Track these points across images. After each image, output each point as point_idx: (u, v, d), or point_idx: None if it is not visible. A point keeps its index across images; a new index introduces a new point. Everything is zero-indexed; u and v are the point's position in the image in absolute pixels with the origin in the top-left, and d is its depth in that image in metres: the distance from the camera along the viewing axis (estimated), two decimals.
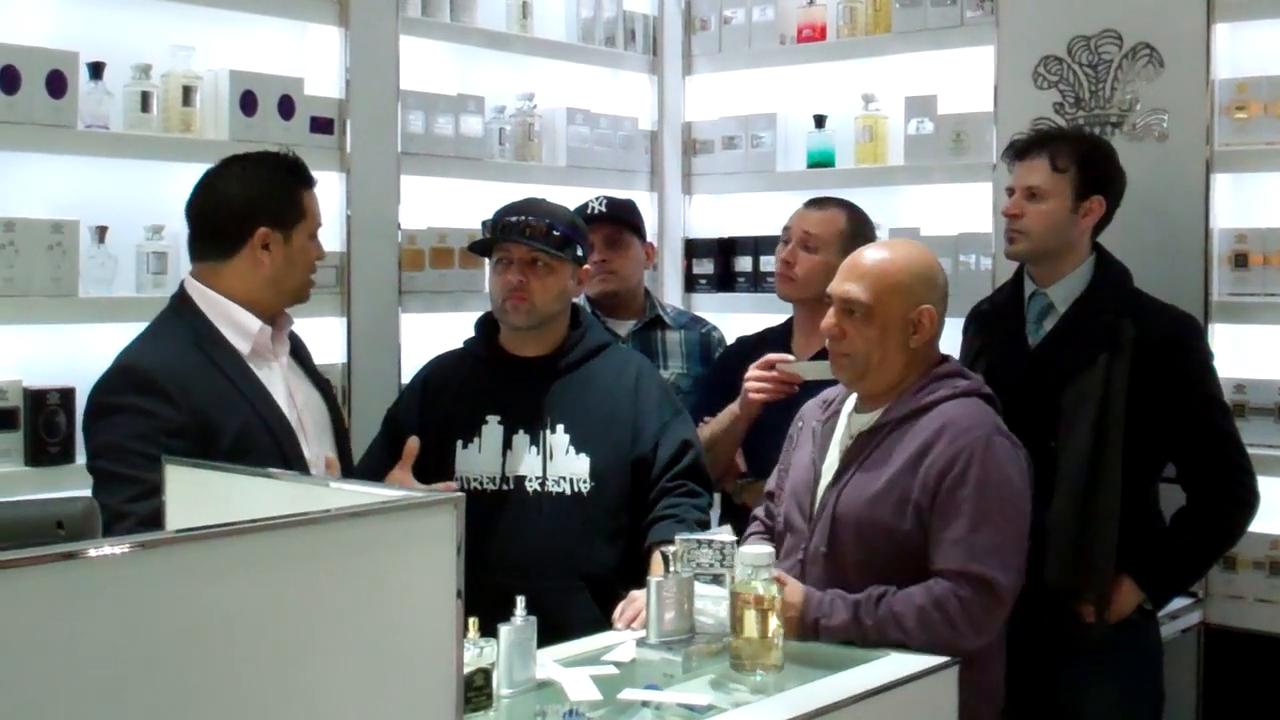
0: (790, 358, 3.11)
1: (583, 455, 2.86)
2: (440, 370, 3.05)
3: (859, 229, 3.22)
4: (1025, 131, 3.17)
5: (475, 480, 2.88)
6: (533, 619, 2.26)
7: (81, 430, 2.49)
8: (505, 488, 2.86)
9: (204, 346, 2.47)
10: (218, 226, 2.53)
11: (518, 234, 2.86)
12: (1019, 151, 3.06)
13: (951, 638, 2.35)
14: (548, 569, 2.77)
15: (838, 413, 2.65)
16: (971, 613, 2.35)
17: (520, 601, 2.25)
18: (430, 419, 2.94)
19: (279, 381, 2.56)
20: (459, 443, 2.90)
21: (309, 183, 2.60)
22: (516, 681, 2.22)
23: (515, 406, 2.90)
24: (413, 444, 2.74)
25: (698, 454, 2.92)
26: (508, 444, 2.88)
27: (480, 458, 2.88)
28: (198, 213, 2.56)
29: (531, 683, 2.24)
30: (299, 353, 2.70)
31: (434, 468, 2.87)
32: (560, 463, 2.86)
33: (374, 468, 2.87)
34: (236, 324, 2.50)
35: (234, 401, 2.44)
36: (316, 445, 2.59)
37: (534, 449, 2.87)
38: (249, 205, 2.52)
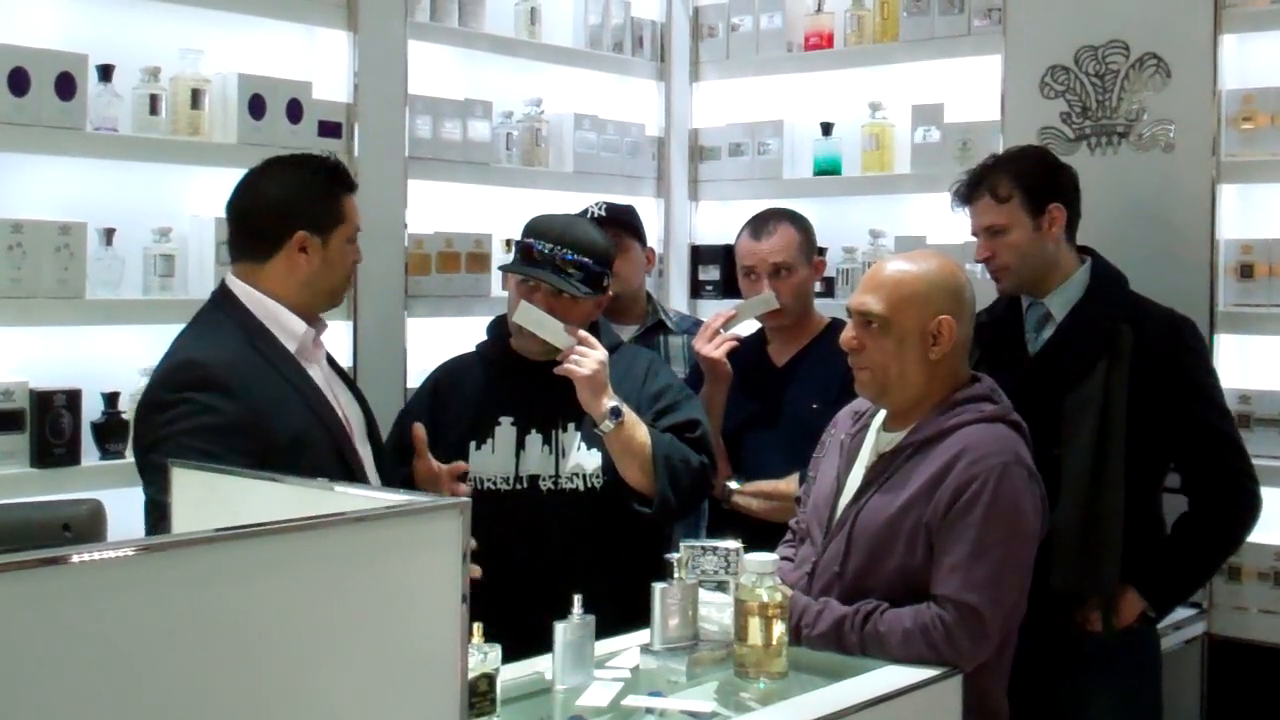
0: (729, 308, 3.25)
1: (594, 450, 2.87)
2: (450, 374, 3.06)
3: (804, 225, 3.33)
4: (959, 178, 3.13)
5: (489, 481, 2.89)
6: (590, 617, 2.26)
7: (133, 424, 2.46)
8: (519, 487, 2.88)
9: (257, 345, 2.46)
10: (256, 227, 2.52)
11: (549, 268, 2.86)
12: (964, 198, 3.07)
13: (933, 662, 2.33)
14: (563, 565, 2.78)
15: (867, 426, 2.61)
16: (955, 642, 2.32)
17: (578, 600, 2.26)
18: (441, 422, 2.95)
19: (323, 383, 2.56)
20: (472, 444, 2.91)
21: (349, 187, 2.61)
22: (570, 681, 2.22)
23: (528, 407, 2.91)
24: (419, 430, 2.74)
25: (705, 431, 2.93)
26: (520, 444, 2.89)
27: (493, 458, 2.90)
28: (238, 212, 2.56)
29: (588, 682, 2.24)
30: (328, 357, 2.70)
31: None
32: (572, 460, 2.87)
33: (387, 470, 2.88)
34: (283, 325, 2.50)
35: (291, 400, 2.44)
36: (361, 446, 2.60)
37: (546, 448, 2.88)
38: (287, 207, 2.51)
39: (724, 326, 3.23)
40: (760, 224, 3.32)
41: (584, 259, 2.88)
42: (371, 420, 2.72)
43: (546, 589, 2.46)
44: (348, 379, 2.73)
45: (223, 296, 2.53)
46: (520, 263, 2.94)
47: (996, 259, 3.01)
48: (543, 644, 2.30)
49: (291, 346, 2.50)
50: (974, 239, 3.07)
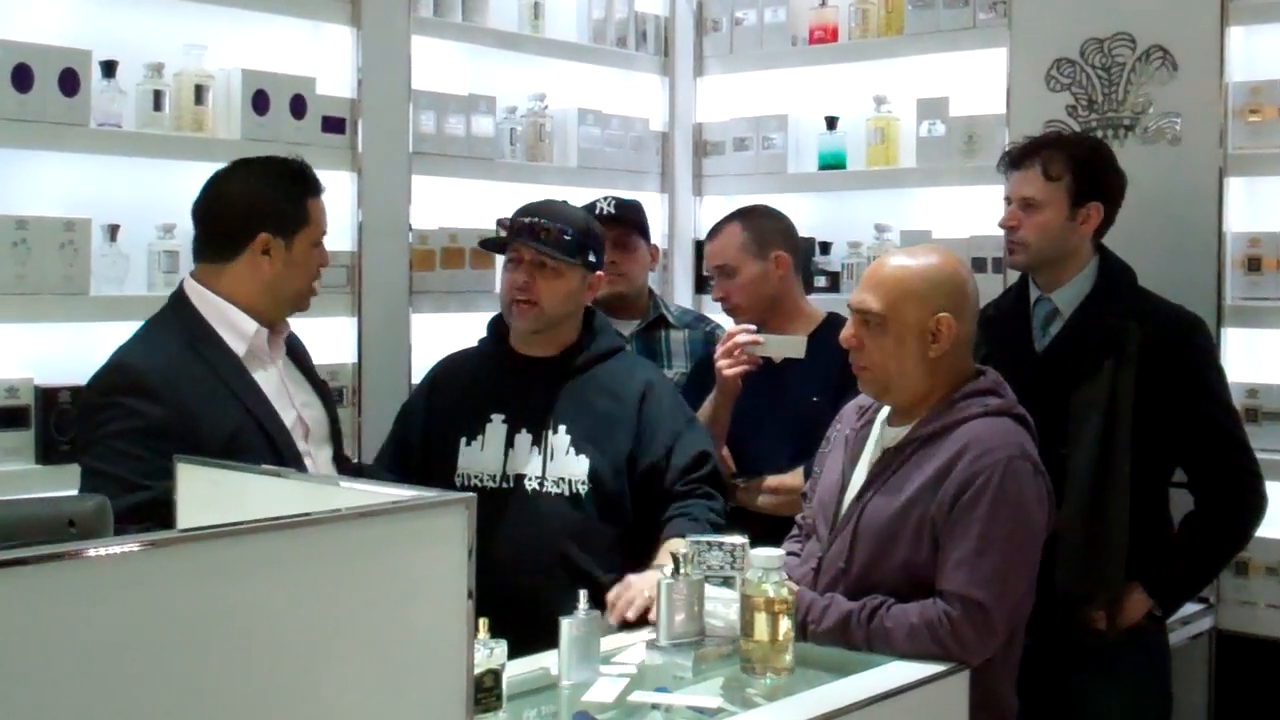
0: (753, 328, 3.12)
1: (582, 456, 2.85)
2: (449, 368, 3.05)
3: (756, 222, 3.26)
4: (1019, 140, 3.15)
5: (476, 478, 2.88)
6: (595, 612, 2.27)
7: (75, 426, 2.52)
8: (505, 486, 2.86)
9: (198, 347, 2.47)
10: (220, 229, 2.53)
11: (529, 235, 2.86)
12: (1013, 161, 3.05)
13: (940, 657, 2.33)
14: (543, 568, 2.77)
15: (871, 421, 2.60)
16: (961, 637, 2.32)
17: (584, 595, 2.27)
18: (436, 416, 2.95)
19: (275, 383, 2.56)
20: (462, 440, 2.90)
21: (315, 190, 2.60)
22: (576, 677, 2.22)
23: (520, 405, 2.90)
24: None
25: (715, 463, 2.92)
26: (510, 443, 2.88)
27: (482, 455, 2.88)
28: (202, 214, 2.57)
29: (594, 678, 2.24)
30: (296, 355, 2.70)
31: (437, 465, 2.89)
32: (560, 463, 2.85)
33: (384, 465, 2.88)
34: (233, 326, 2.51)
35: (226, 402, 2.45)
36: (316, 447, 2.60)
37: (535, 448, 2.86)
38: (251, 209, 2.52)
39: (746, 348, 3.10)
40: (716, 225, 3.31)
41: (562, 226, 2.87)
42: (335, 422, 2.72)
43: (531, 590, 2.45)
44: (315, 380, 2.72)
45: (176, 299, 2.56)
46: (500, 236, 2.94)
47: (1020, 231, 2.99)
48: (529, 646, 2.30)
49: (239, 348, 2.50)
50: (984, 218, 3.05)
